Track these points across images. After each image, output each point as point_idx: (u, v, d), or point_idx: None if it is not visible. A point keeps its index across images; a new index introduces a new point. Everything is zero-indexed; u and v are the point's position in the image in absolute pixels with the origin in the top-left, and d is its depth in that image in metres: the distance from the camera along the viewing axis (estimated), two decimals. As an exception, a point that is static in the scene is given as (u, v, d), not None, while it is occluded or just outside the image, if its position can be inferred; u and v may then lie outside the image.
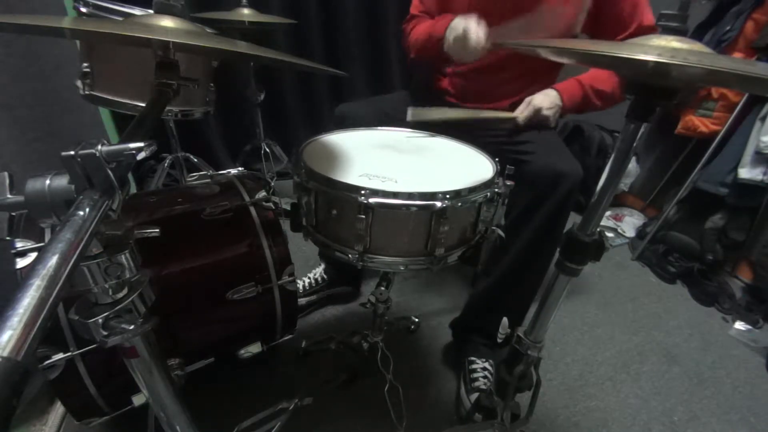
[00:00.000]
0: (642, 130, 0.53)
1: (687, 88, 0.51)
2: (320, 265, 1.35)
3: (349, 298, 1.35)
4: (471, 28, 0.86)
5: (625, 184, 2.16)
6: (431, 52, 1.03)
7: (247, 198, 0.90)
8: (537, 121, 1.00)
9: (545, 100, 0.99)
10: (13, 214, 0.35)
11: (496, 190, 0.67)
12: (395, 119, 1.00)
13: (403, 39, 1.19)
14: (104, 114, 1.54)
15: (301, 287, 1.29)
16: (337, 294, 1.34)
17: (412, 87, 1.24)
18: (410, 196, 0.60)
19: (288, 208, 0.78)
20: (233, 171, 1.02)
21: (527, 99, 1.00)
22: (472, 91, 1.09)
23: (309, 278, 1.31)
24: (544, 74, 1.07)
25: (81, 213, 0.32)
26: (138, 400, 0.77)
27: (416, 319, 1.27)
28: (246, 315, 0.89)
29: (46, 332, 0.25)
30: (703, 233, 1.70)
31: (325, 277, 1.31)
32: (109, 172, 0.34)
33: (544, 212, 0.89)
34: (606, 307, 1.50)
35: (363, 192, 0.59)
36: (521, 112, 0.99)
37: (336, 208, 0.65)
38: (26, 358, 0.23)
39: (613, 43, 0.80)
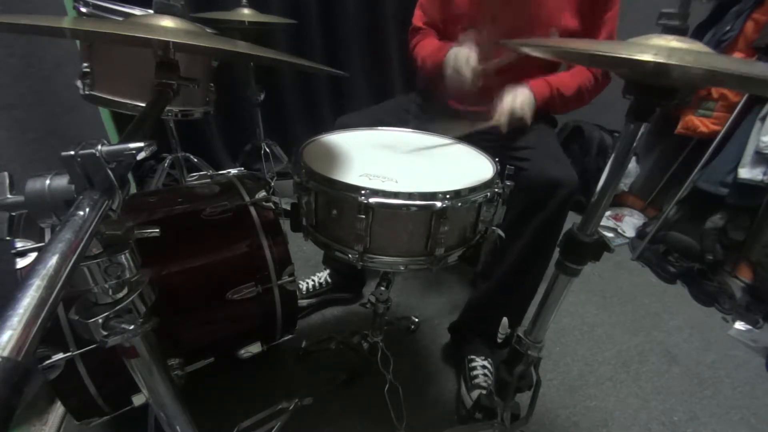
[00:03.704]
0: (642, 130, 0.53)
1: (687, 88, 0.51)
2: (326, 269, 1.35)
3: (349, 298, 1.36)
4: (460, 65, 0.91)
5: (625, 184, 2.16)
6: (438, 78, 1.05)
7: (247, 198, 0.90)
8: (515, 123, 0.94)
9: (514, 100, 0.94)
10: (13, 214, 0.35)
11: (496, 190, 0.67)
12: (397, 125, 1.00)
13: (409, 51, 1.20)
14: (104, 114, 1.54)
15: (304, 289, 1.29)
16: (338, 298, 1.34)
17: (416, 89, 1.25)
18: (410, 196, 0.60)
19: (288, 208, 0.78)
20: (233, 171, 1.03)
21: (499, 104, 0.94)
22: (472, 93, 1.09)
23: (313, 281, 1.31)
24: (543, 75, 1.07)
25: (81, 213, 0.32)
26: (138, 400, 0.77)
27: (416, 319, 1.27)
28: (246, 315, 0.89)
29: (46, 332, 0.25)
30: (703, 233, 1.70)
31: (329, 281, 1.32)
32: (109, 172, 0.34)
33: (541, 218, 0.89)
34: (606, 307, 1.50)
35: (363, 192, 0.59)
36: (498, 119, 0.93)
37: (336, 208, 0.65)
38: (26, 358, 0.23)
39: (612, 42, 0.81)
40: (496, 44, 0.78)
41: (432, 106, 1.14)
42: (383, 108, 1.15)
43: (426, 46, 1.12)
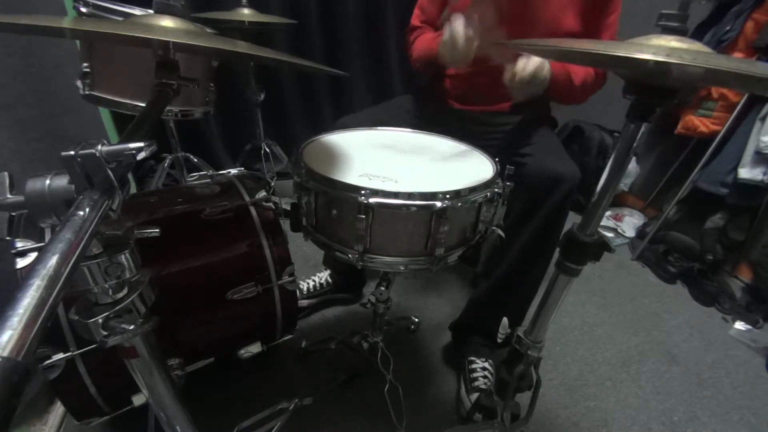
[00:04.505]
0: (642, 130, 0.53)
1: (687, 88, 0.51)
2: (327, 269, 1.35)
3: (349, 299, 1.36)
4: (457, 28, 0.85)
5: (625, 184, 2.16)
6: (431, 68, 1.06)
7: (247, 198, 0.90)
8: (528, 89, 0.89)
9: (543, 64, 0.88)
10: (13, 214, 0.35)
11: (496, 190, 0.67)
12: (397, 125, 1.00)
13: (406, 49, 1.20)
14: (104, 114, 1.54)
15: (305, 289, 1.29)
16: (339, 298, 1.34)
17: (415, 89, 1.25)
18: (410, 196, 0.60)
19: (288, 208, 0.78)
20: (233, 171, 1.02)
21: (525, 57, 0.87)
22: (473, 93, 1.09)
23: (314, 281, 1.31)
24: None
25: (81, 213, 0.32)
26: (138, 400, 0.77)
27: (416, 319, 1.27)
28: (246, 315, 0.89)
29: (46, 332, 0.25)
30: (703, 233, 1.70)
31: (330, 281, 1.32)
32: (109, 172, 0.34)
33: (542, 215, 0.89)
34: (606, 307, 1.50)
35: (363, 192, 0.59)
36: (523, 66, 0.86)
37: (336, 208, 0.65)
38: (26, 358, 0.23)
39: (612, 42, 0.81)
40: (496, 45, 0.78)
41: (432, 106, 1.14)
42: (383, 109, 1.15)
43: (424, 38, 1.11)
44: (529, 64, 0.86)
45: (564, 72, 0.97)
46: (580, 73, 1.01)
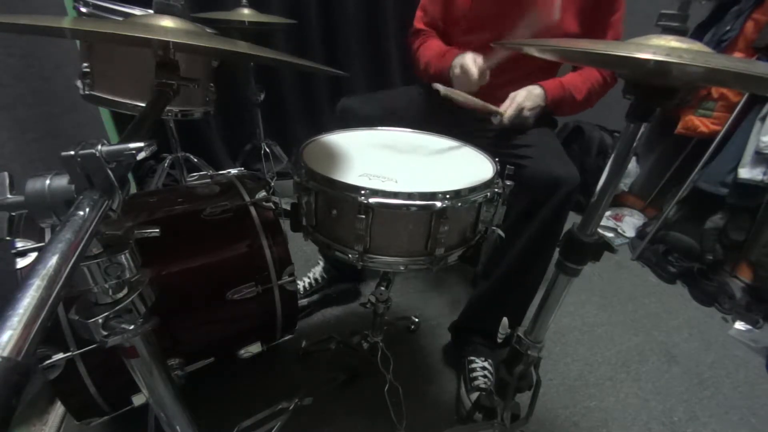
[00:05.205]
0: (642, 130, 0.53)
1: (686, 88, 0.51)
2: (319, 264, 1.35)
3: (349, 297, 1.36)
4: (468, 63, 0.93)
5: (625, 184, 2.16)
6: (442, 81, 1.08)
7: (247, 198, 0.90)
8: (517, 121, 0.98)
9: (528, 98, 0.98)
10: (13, 214, 0.35)
11: (496, 190, 0.67)
12: (397, 115, 1.00)
13: (408, 54, 1.20)
14: (104, 114, 1.54)
15: (301, 288, 1.29)
16: (338, 293, 1.34)
17: (417, 89, 1.25)
18: (410, 196, 0.60)
19: (288, 208, 0.78)
20: (233, 171, 1.02)
21: (512, 95, 0.98)
22: (475, 92, 1.09)
23: (308, 278, 1.31)
24: (544, 75, 1.07)
25: (81, 213, 0.32)
26: (138, 400, 0.77)
27: (416, 319, 1.27)
28: (246, 315, 0.89)
29: (46, 332, 0.25)
30: (703, 233, 1.70)
31: (324, 276, 1.32)
32: (109, 172, 0.34)
33: (542, 216, 0.89)
34: (606, 307, 1.50)
35: (363, 192, 0.59)
36: (506, 109, 0.97)
37: (336, 208, 0.65)
38: (26, 358, 0.23)
39: (612, 42, 0.81)
40: (497, 45, 0.78)
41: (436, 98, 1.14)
42: (388, 94, 1.15)
43: (430, 48, 1.12)
44: (511, 108, 0.95)
45: (563, 94, 1.01)
46: (583, 86, 1.02)
